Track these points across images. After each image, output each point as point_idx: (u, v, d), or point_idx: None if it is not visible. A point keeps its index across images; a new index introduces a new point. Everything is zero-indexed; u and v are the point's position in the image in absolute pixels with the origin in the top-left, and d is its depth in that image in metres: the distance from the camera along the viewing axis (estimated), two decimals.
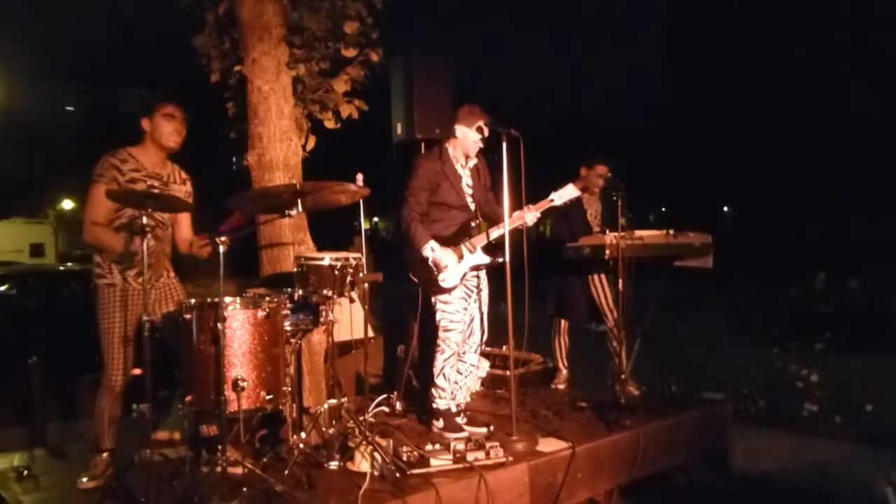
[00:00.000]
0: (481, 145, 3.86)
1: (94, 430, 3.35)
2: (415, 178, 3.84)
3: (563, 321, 5.08)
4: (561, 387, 4.99)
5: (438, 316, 3.89)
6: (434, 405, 3.93)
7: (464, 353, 3.99)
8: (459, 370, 4.00)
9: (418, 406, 4.31)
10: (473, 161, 3.95)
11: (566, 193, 3.91)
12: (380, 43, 4.24)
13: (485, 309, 4.00)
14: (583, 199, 4.92)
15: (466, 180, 3.93)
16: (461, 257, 3.81)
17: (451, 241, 3.86)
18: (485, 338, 4.03)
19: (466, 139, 3.85)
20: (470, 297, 3.97)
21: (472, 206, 3.93)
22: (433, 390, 3.93)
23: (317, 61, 4.15)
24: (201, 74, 4.20)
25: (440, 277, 3.78)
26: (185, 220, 3.53)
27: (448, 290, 3.82)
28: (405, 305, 4.64)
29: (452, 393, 3.94)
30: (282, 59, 3.91)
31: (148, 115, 3.32)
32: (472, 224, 3.89)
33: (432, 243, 3.74)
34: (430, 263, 3.76)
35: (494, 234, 3.81)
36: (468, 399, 4.13)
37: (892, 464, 3.82)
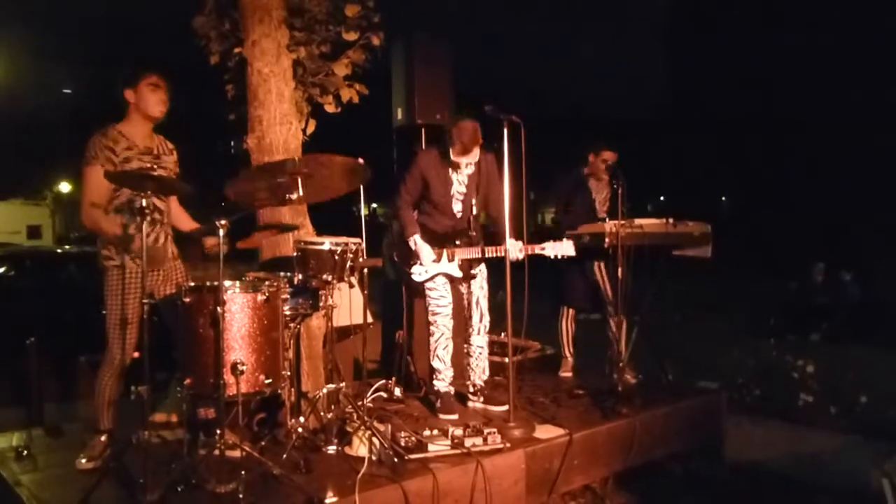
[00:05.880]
0: (469, 162, 3.87)
1: (91, 410, 3.35)
2: (410, 167, 3.97)
3: (570, 308, 5.07)
4: (567, 374, 4.93)
5: (427, 300, 4.00)
6: (434, 386, 4.01)
7: (469, 335, 4.07)
8: (469, 352, 4.10)
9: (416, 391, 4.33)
10: (470, 169, 3.92)
11: (561, 248, 3.90)
12: (381, 27, 4.21)
13: (482, 294, 4.03)
14: (590, 186, 4.93)
15: (458, 186, 3.95)
16: (439, 259, 3.90)
17: (438, 241, 3.93)
18: (486, 320, 4.05)
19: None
20: (465, 281, 4.02)
21: (459, 214, 3.96)
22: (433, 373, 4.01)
23: (317, 44, 4.12)
24: (201, 56, 4.16)
25: (413, 270, 3.91)
26: (174, 200, 3.54)
27: (418, 283, 3.94)
28: (403, 291, 4.64)
29: (450, 376, 4.00)
30: (282, 42, 3.87)
31: (132, 86, 3.29)
32: (458, 241, 3.92)
33: (417, 237, 3.88)
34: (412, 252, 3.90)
35: (488, 254, 3.87)
36: (484, 378, 4.13)
37: (887, 455, 3.84)
